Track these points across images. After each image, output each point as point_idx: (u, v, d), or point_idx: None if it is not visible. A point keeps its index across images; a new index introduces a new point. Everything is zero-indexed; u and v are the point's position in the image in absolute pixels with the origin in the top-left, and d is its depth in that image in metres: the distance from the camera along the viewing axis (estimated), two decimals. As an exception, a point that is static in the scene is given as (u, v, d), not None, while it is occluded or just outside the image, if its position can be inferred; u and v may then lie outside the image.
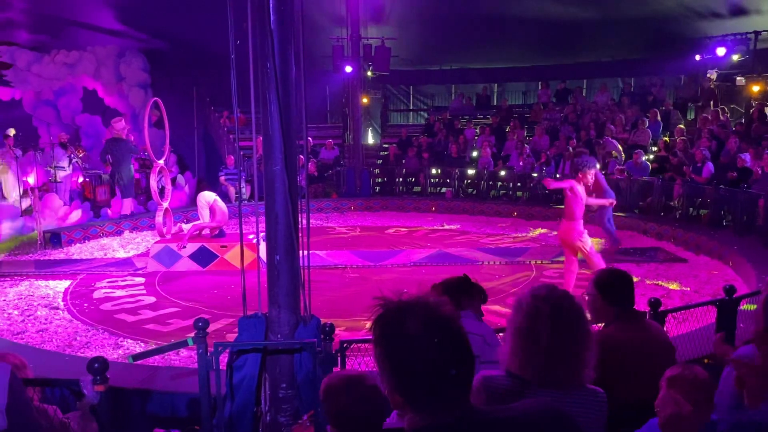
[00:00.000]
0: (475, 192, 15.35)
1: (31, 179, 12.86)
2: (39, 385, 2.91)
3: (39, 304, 7.68)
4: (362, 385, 1.96)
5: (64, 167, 13.55)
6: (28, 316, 7.25)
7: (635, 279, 5.01)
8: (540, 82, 20.07)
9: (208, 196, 9.87)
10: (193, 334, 3.96)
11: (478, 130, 17.58)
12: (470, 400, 1.38)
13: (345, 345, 3.83)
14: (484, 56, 19.62)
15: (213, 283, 8.63)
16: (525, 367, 1.74)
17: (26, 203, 12.32)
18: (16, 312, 7.38)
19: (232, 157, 15.53)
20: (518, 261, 9.61)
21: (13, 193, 12.66)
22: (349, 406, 1.94)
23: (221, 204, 9.87)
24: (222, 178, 15.15)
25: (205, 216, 9.75)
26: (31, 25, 15.19)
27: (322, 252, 9.93)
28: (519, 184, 14.67)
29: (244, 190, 15.07)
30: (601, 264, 7.01)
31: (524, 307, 1.76)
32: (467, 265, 9.30)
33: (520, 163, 14.95)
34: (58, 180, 13.25)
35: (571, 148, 14.23)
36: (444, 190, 15.88)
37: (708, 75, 16.19)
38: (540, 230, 12.13)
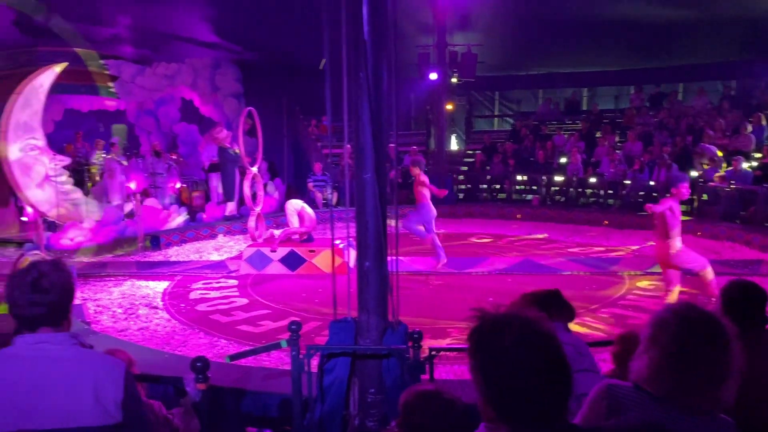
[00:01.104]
0: (563, 199, 14.96)
1: (133, 185, 13.67)
2: (146, 381, 3.08)
3: (140, 304, 8.14)
4: (438, 401, 1.95)
5: (162, 173, 14.33)
6: (131, 314, 7.69)
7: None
8: (633, 86, 19.34)
9: (295, 204, 10.16)
10: (285, 337, 4.08)
11: (566, 136, 17.14)
12: (566, 418, 1.35)
13: (433, 353, 3.83)
14: (573, 60, 19.11)
15: (301, 286, 8.84)
16: (660, 386, 1.69)
17: (129, 207, 13.10)
18: (119, 310, 7.84)
19: (320, 165, 15.89)
20: (610, 272, 9.29)
21: (117, 198, 13.51)
22: (426, 423, 1.94)
23: (309, 210, 10.12)
24: (310, 185, 15.52)
25: (294, 222, 10.03)
26: (135, 40, 16.13)
27: (406, 258, 9.97)
28: (610, 192, 14.19)
29: (331, 196, 15.39)
30: (707, 272, 6.77)
31: (672, 328, 1.70)
32: (555, 275, 9.09)
33: (612, 170, 14.45)
34: (157, 186, 14.02)
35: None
36: (530, 197, 15.58)
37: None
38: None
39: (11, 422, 1.88)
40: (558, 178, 15.21)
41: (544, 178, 15.40)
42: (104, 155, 14.41)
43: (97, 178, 14.37)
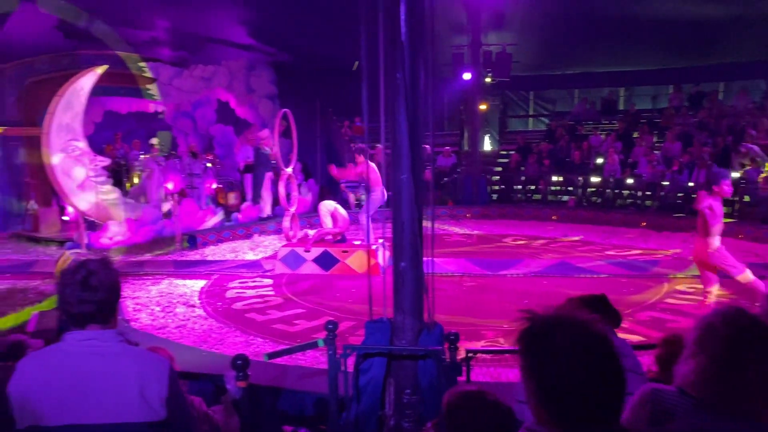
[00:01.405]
0: (599, 201, 14.75)
1: (171, 185, 13.92)
2: (188, 378, 3.13)
3: (178, 302, 8.26)
4: (482, 401, 1.95)
5: (198, 174, 14.57)
6: (168, 312, 7.82)
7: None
8: (671, 86, 18.97)
9: (329, 205, 10.24)
10: (320, 336, 4.11)
11: (603, 136, 16.90)
12: (619, 421, 1.34)
13: (470, 354, 3.80)
14: (610, 59, 18.82)
15: (335, 286, 8.89)
16: (707, 391, 1.66)
17: (166, 207, 13.34)
18: (158, 308, 7.98)
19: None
20: (648, 274, 9.11)
21: (155, 197, 13.78)
22: (470, 423, 1.94)
23: (342, 211, 10.18)
24: (343, 186, 15.59)
25: (327, 223, 10.09)
26: (173, 42, 16.44)
27: (439, 260, 9.93)
28: (648, 193, 13.93)
29: (363, 196, 15.45)
30: (744, 275, 6.58)
31: (720, 332, 1.67)
32: (591, 278, 8.96)
33: (650, 171, 14.19)
34: (194, 186, 14.25)
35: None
36: (566, 198, 15.40)
37: None
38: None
39: (60, 416, 1.93)
40: (594, 179, 15.01)
41: (580, 178, 15.21)
42: (143, 156, 14.71)
43: (136, 179, 14.66)
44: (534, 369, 1.30)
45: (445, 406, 2.01)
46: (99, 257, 2.08)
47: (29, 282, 9.44)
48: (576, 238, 12.28)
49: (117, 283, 2.04)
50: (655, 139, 16.04)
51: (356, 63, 3.92)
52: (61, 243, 12.10)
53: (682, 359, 1.75)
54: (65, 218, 13.82)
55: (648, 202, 13.99)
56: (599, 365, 1.27)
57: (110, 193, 13.34)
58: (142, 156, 15.00)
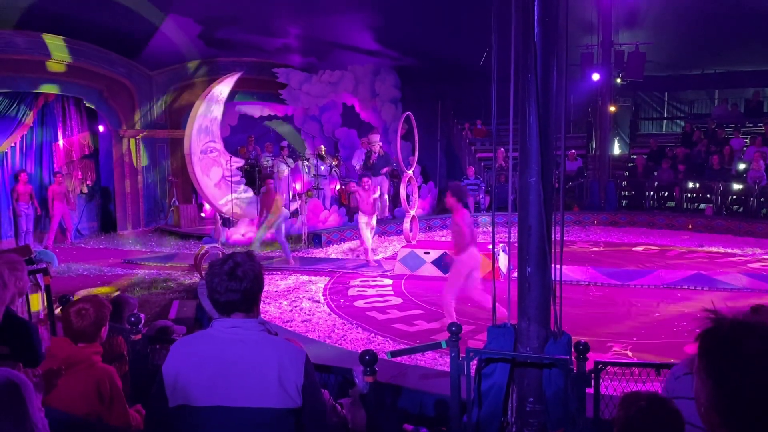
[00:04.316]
0: (741, 209, 13.65)
1: (299, 185, 14.52)
2: (318, 370, 3.25)
3: (303, 297, 8.61)
4: (662, 406, 1.92)
5: (324, 175, 15.09)
6: (295, 306, 8.16)
7: None
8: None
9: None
10: (440, 338, 4.12)
11: (747, 140, 15.61)
12: None
13: (600, 366, 3.65)
14: (757, 57, 17.35)
15: (454, 289, 8.85)
16: None
17: (294, 206, 13.93)
18: (285, 302, 8.36)
19: (473, 168, 15.86)
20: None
21: (284, 197, 14.43)
22: (640, 421, 1.91)
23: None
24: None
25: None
26: (303, 49, 17.19)
27: (565, 267, 9.61)
28: (799, 203, 12.71)
29: (483, 199, 15.33)
30: None
31: None
32: (732, 292, 8.32)
33: (802, 178, 12.94)
34: (320, 187, 14.77)
35: None
36: (702, 206, 14.39)
37: None
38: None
39: (206, 397, 2.07)
40: (736, 186, 13.90)
41: (719, 185, 14.15)
42: (272, 158, 15.46)
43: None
44: (713, 371, 1.23)
45: (623, 397, 2.00)
46: (245, 251, 2.21)
47: (171, 273, 10.23)
48: (715, 248, 11.44)
49: (260, 274, 2.16)
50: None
51: (486, 52, 3.90)
52: (199, 238, 13.00)
53: None
54: (203, 215, 14.85)
55: (799, 213, 12.78)
56: None
57: (244, 192, 14.15)
58: (270, 158, 15.75)
